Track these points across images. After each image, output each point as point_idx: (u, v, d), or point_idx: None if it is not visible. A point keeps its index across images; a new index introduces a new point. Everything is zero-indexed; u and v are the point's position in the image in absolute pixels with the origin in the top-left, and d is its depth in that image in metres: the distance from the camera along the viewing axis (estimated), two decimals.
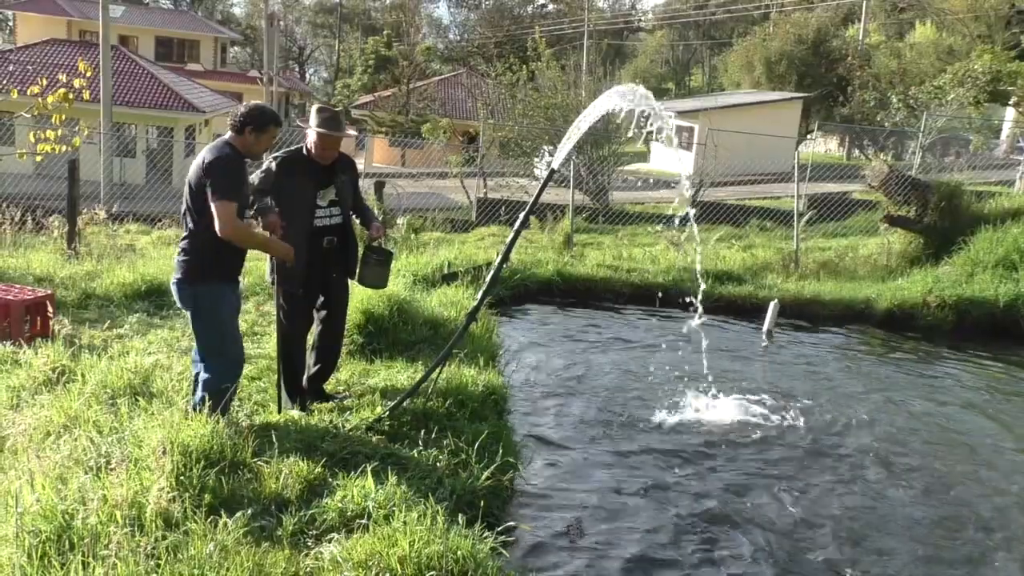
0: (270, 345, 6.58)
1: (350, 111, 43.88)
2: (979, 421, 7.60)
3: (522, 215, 5.75)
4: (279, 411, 5.43)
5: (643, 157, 37.63)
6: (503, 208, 19.18)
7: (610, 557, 4.85)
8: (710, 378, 7.70)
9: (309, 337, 5.92)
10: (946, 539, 5.38)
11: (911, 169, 19.40)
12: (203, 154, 4.78)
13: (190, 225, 4.81)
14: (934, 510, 5.76)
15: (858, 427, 7.17)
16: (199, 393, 4.94)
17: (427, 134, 30.19)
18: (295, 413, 5.47)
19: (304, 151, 5.52)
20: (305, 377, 5.90)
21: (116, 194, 18.50)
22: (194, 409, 4.78)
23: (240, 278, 5.12)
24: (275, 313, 5.63)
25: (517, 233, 5.81)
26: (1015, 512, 5.82)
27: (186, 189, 4.79)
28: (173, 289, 4.95)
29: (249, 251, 5.11)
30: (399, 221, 14.20)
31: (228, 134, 4.85)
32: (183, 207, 4.84)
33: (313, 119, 5.41)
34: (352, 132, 5.88)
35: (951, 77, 25.78)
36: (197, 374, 5.03)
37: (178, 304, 5.03)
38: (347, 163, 5.75)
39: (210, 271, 4.82)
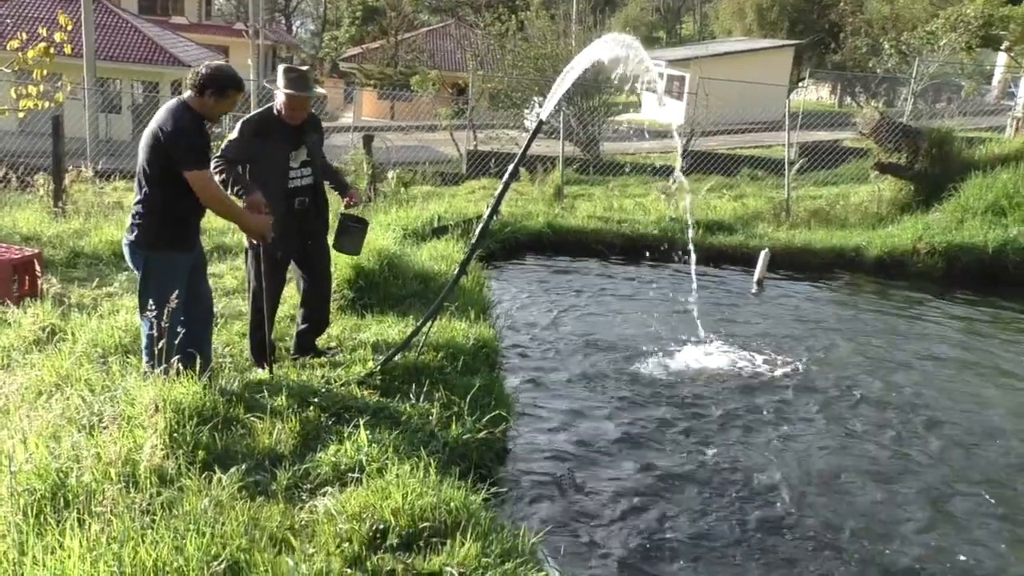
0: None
1: (338, 63, 43.39)
2: (967, 365, 7.66)
3: (511, 167, 5.71)
4: (261, 367, 5.44)
5: (634, 107, 37.38)
6: (493, 160, 19.06)
7: (602, 505, 4.91)
8: (701, 327, 7.74)
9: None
10: (938, 480, 5.45)
11: (903, 116, 19.29)
12: (159, 118, 4.61)
13: (144, 189, 4.68)
14: (925, 451, 5.84)
15: (848, 373, 7.23)
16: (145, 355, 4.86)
17: (416, 86, 29.88)
18: (282, 370, 5.48)
19: (274, 112, 5.40)
20: (295, 333, 5.92)
21: (102, 151, 18.30)
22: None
23: (194, 244, 4.95)
24: (246, 275, 5.60)
25: (506, 185, 5.78)
26: (997, 448, 5.91)
27: (141, 151, 4.64)
28: (125, 250, 4.85)
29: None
30: (389, 175, 14.11)
31: (187, 93, 4.70)
32: (138, 170, 4.69)
33: (280, 80, 5.30)
34: (321, 91, 5.78)
35: (943, 22, 25.57)
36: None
37: (129, 264, 4.92)
38: (315, 122, 5.66)
39: (163, 239, 4.72)
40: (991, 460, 5.84)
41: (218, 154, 5.23)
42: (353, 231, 5.87)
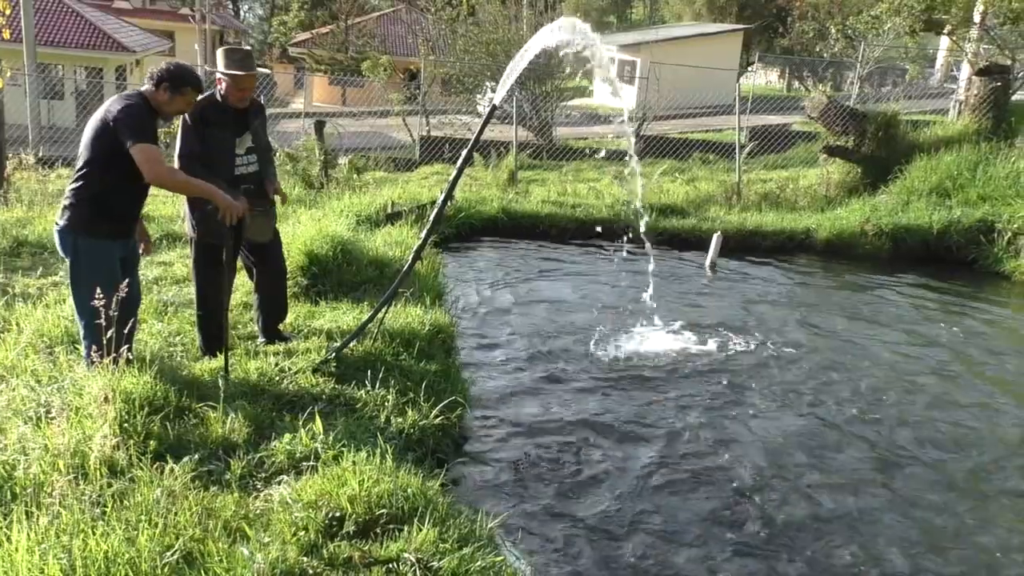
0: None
1: (287, 49, 42.80)
2: (914, 342, 7.82)
3: (464, 152, 5.69)
4: (213, 356, 5.37)
5: (586, 92, 37.47)
6: (447, 146, 19.00)
7: (559, 488, 4.93)
8: (655, 310, 7.80)
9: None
10: (887, 452, 5.57)
11: (849, 99, 19.57)
12: (109, 104, 4.57)
13: (83, 172, 4.58)
14: (874, 427, 5.95)
15: (800, 352, 7.34)
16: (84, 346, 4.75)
17: (367, 72, 29.57)
18: (239, 357, 5.41)
19: (218, 97, 5.28)
20: (258, 327, 5.86)
21: (45, 137, 17.91)
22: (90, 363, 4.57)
23: (127, 234, 4.80)
24: (193, 268, 5.51)
25: (460, 170, 5.75)
26: (933, 419, 6.06)
27: (86, 137, 4.55)
28: (55, 236, 4.71)
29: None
30: (341, 161, 13.97)
31: (145, 86, 4.65)
32: (80, 154, 4.59)
33: (223, 62, 5.17)
34: (265, 70, 5.66)
35: (887, 7, 25.91)
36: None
37: (59, 251, 4.78)
38: (258, 107, 5.54)
39: (96, 225, 4.59)
40: (939, 437, 5.98)
41: (179, 154, 5.14)
42: (258, 213, 5.41)
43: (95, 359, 4.41)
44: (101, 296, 4.16)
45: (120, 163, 4.50)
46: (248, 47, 5.46)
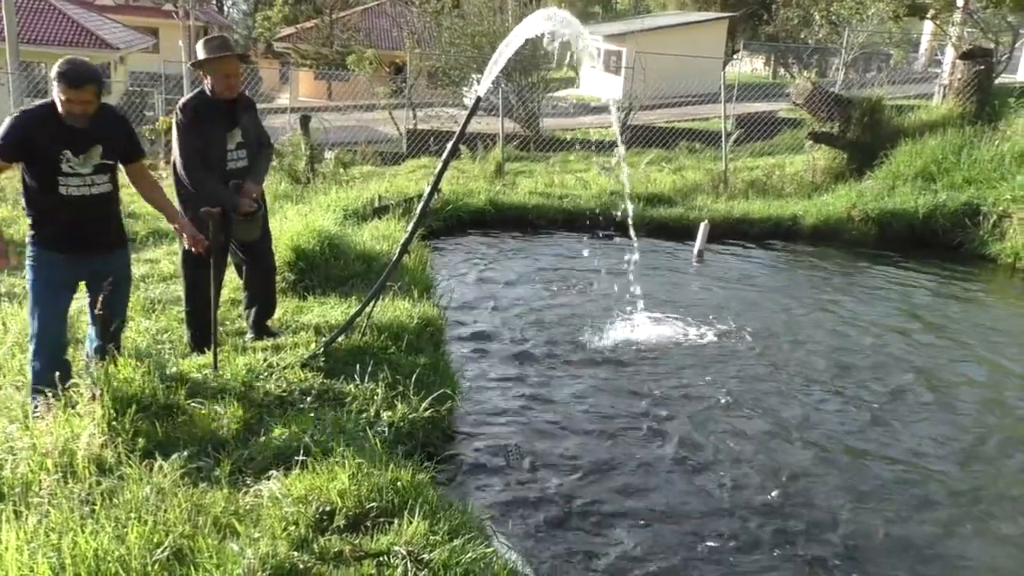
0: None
1: (272, 44, 42.59)
2: (903, 326, 7.86)
3: (449, 145, 5.68)
4: (201, 353, 5.38)
5: (572, 83, 37.42)
6: (433, 139, 18.92)
7: (548, 479, 4.94)
8: (643, 299, 7.81)
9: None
10: (875, 433, 5.61)
11: (834, 85, 19.61)
12: None
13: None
14: (859, 411, 5.99)
15: (789, 339, 7.38)
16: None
17: (353, 66, 29.49)
18: (228, 353, 5.41)
19: (207, 92, 5.27)
20: (247, 323, 5.85)
21: None
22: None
23: (76, 247, 4.46)
24: (181, 264, 5.51)
25: (445, 163, 5.74)
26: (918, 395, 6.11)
27: None
28: None
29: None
30: (327, 155, 13.91)
31: None
32: None
33: (202, 51, 5.17)
34: (248, 56, 5.64)
35: None
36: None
37: None
38: (248, 102, 5.54)
39: (33, 234, 4.41)
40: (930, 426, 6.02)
41: (181, 154, 5.10)
42: (242, 219, 5.42)
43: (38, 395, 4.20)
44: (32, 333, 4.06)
45: (29, 171, 4.36)
46: (223, 35, 5.44)
